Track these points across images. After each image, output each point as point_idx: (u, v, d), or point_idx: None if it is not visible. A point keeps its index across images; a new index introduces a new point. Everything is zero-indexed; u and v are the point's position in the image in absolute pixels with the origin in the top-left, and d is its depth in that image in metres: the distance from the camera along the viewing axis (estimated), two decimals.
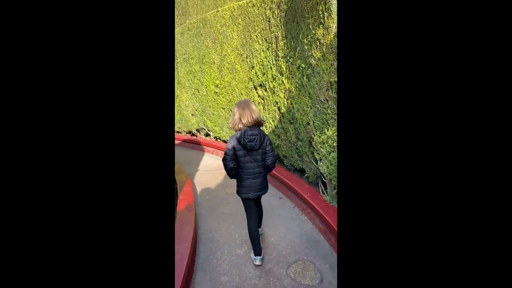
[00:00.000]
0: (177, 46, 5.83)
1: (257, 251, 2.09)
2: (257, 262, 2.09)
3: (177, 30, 5.72)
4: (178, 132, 6.84)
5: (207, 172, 4.38)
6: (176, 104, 6.34)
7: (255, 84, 3.94)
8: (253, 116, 1.89)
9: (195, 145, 5.93)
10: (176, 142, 6.37)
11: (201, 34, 4.98)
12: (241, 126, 1.91)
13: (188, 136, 6.42)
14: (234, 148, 1.93)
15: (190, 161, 4.99)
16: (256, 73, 3.83)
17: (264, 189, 2.08)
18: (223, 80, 4.69)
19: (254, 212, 2.12)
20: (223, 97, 4.83)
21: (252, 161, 1.98)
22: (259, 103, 3.89)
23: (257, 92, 3.93)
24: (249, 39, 3.89)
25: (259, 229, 2.12)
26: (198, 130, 6.16)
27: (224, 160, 1.96)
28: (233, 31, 4.16)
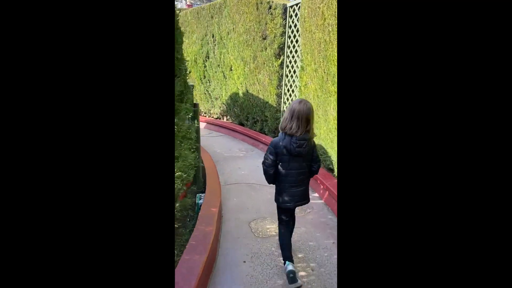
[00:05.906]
0: None
1: (287, 257, 1.87)
2: (290, 267, 1.82)
3: None
4: None
5: None
6: None
7: None
8: (308, 126, 1.67)
9: None
10: None
11: None
12: (290, 130, 1.67)
13: None
14: (276, 153, 1.72)
15: None
16: None
17: (306, 198, 1.85)
18: None
19: (288, 224, 1.93)
20: None
21: (297, 168, 1.76)
22: None
23: None
24: None
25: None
26: None
27: (263, 164, 1.79)
28: None
